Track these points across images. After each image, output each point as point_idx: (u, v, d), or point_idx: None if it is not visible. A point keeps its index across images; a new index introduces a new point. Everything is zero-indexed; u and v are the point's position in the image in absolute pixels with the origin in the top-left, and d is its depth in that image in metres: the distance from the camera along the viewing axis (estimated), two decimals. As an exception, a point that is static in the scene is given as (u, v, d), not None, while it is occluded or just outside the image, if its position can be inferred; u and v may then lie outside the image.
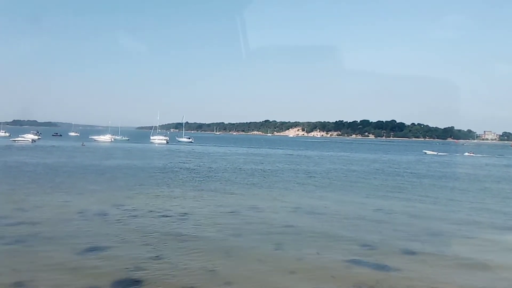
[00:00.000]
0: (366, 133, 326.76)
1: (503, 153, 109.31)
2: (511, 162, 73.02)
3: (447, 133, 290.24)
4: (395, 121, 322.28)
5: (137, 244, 13.75)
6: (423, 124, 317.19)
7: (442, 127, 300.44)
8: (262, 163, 51.00)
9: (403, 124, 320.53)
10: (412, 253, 13.56)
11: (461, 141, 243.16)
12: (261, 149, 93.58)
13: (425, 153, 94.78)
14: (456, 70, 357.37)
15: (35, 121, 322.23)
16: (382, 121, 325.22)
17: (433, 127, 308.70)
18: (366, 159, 67.51)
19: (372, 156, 78.10)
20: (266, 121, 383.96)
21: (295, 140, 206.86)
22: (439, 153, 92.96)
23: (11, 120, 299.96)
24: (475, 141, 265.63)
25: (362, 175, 39.57)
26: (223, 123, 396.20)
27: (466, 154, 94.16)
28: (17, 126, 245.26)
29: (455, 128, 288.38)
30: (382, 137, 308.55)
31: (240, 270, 11.63)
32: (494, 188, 33.39)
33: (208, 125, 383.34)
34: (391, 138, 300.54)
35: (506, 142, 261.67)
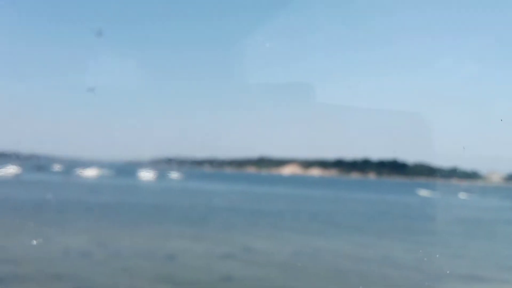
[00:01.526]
0: (367, 172, 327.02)
1: (498, 195, 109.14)
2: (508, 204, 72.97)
3: (451, 173, 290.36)
4: (396, 160, 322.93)
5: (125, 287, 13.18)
6: (425, 164, 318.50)
7: (445, 166, 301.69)
8: (261, 202, 50.42)
9: (405, 164, 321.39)
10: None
11: (465, 182, 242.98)
12: (258, 187, 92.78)
13: (419, 193, 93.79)
14: (459, 109, 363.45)
15: (16, 152, 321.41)
16: (383, 161, 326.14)
17: (436, 167, 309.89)
18: (369, 200, 67.05)
19: (375, 196, 77.65)
20: (262, 157, 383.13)
21: (292, 178, 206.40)
22: (432, 194, 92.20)
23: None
24: (480, 182, 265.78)
25: (368, 217, 39.13)
26: (216, 159, 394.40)
27: (461, 195, 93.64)
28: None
29: (459, 168, 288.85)
30: (383, 176, 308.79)
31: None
32: (503, 231, 33.29)
33: (201, 161, 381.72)
34: (393, 177, 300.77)
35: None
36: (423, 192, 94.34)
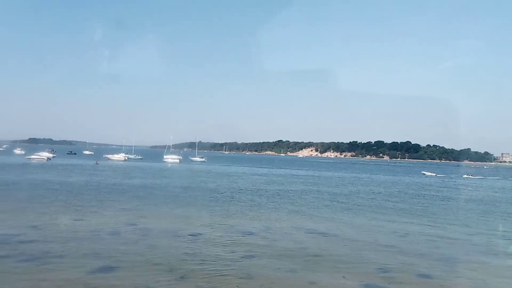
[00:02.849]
0: (381, 154, 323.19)
1: (504, 176, 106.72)
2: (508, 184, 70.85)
3: (463, 155, 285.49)
4: (410, 142, 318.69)
5: (153, 265, 13.18)
6: (438, 146, 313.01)
7: (458, 149, 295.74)
8: (283, 183, 49.74)
9: (418, 145, 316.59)
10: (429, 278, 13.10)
11: (478, 163, 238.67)
12: (278, 169, 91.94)
13: (424, 174, 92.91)
14: (473, 93, 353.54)
15: (51, 139, 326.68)
16: (397, 142, 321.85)
17: (449, 149, 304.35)
18: (385, 180, 65.81)
19: (391, 177, 76.27)
20: (279, 141, 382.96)
21: (308, 160, 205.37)
22: (438, 175, 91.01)
23: (27, 138, 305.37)
24: (493, 163, 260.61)
25: (386, 197, 38.22)
26: (236, 142, 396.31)
27: (465, 176, 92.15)
28: (33, 144, 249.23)
29: (472, 150, 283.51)
30: (397, 158, 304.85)
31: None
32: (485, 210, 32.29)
33: (221, 144, 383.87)
34: (406, 159, 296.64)
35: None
36: (428, 173, 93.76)
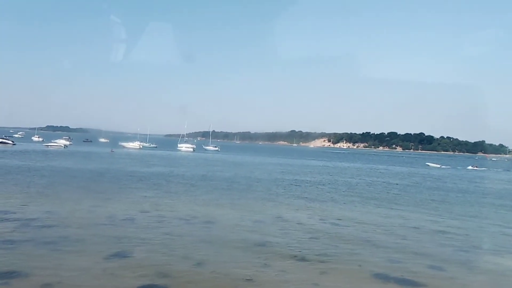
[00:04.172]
0: (394, 146, 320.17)
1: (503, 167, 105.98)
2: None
3: (477, 147, 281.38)
4: (423, 134, 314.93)
5: (169, 251, 13.34)
6: (452, 138, 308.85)
7: (472, 141, 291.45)
8: (298, 174, 49.40)
9: (432, 137, 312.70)
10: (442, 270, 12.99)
11: (492, 155, 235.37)
12: (292, 159, 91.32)
13: (428, 165, 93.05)
14: (488, 84, 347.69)
15: (67, 126, 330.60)
16: (410, 134, 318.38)
17: (462, 141, 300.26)
18: (400, 172, 65.26)
19: (406, 169, 75.61)
20: (292, 131, 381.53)
21: (321, 150, 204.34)
22: (442, 166, 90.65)
23: (44, 126, 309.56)
24: (507, 156, 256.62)
25: (403, 188, 37.98)
26: (249, 132, 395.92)
27: (470, 167, 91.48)
28: (50, 131, 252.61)
29: (486, 142, 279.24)
30: (410, 150, 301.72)
31: (271, 277, 11.47)
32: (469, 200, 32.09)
33: (234, 134, 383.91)
34: (420, 151, 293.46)
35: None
36: (432, 165, 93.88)
